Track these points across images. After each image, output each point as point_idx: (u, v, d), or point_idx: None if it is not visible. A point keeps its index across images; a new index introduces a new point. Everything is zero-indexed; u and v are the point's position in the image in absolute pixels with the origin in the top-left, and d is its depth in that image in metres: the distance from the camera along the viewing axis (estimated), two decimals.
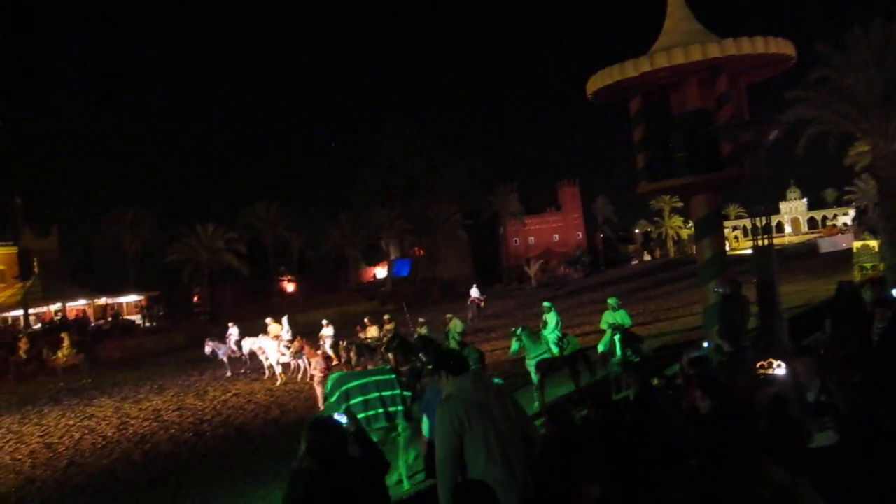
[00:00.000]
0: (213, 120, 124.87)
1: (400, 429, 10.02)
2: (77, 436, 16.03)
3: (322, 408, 14.87)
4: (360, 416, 9.15)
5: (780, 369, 10.11)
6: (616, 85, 13.14)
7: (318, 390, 15.54)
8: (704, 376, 6.62)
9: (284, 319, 21.12)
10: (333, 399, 9.84)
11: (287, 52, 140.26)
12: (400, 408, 10.03)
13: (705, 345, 10.70)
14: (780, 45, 12.82)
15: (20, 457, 14.61)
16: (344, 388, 9.89)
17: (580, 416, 6.81)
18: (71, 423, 17.69)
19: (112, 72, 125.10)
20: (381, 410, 9.82)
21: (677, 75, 12.90)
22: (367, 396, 9.86)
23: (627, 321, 14.61)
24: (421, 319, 19.40)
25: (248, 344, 21.83)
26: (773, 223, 71.68)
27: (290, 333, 20.44)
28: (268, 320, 22.38)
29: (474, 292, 36.22)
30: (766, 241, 12.43)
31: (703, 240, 13.82)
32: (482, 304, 36.15)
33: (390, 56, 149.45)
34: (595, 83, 13.46)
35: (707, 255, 13.65)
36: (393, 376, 10.38)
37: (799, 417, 5.74)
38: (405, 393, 10.22)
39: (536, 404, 12.54)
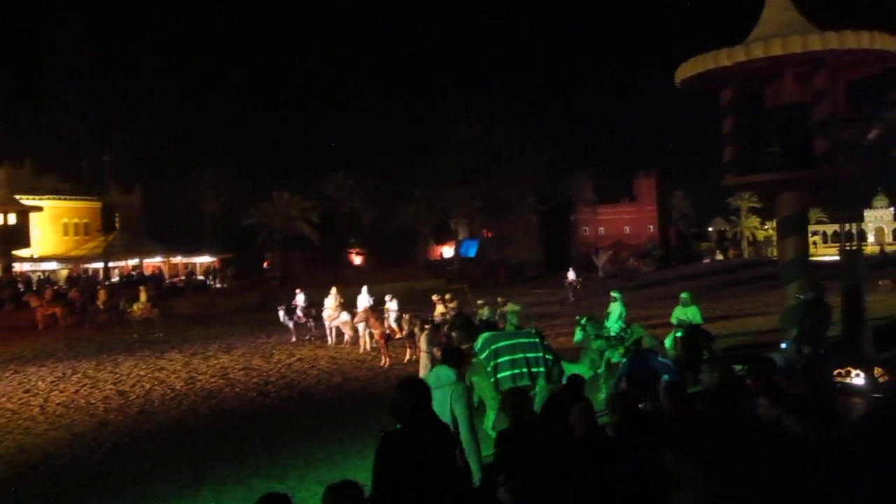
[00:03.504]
0: (296, 91, 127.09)
1: (538, 388, 10.65)
2: (148, 385, 16.57)
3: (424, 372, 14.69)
4: (507, 373, 10.44)
5: (858, 378, 9.73)
6: (708, 73, 12.68)
7: (422, 362, 15.13)
8: (770, 381, 6.02)
9: (364, 289, 21.41)
10: (483, 356, 10.71)
11: (369, 26, 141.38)
12: (542, 369, 10.76)
13: (783, 346, 10.38)
14: (887, 41, 12.06)
15: (94, 401, 15.17)
16: (494, 346, 10.75)
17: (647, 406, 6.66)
18: (143, 373, 18.30)
19: (196, 37, 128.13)
20: (525, 370, 10.59)
21: (774, 67, 12.38)
22: (514, 356, 10.65)
23: (698, 318, 14.32)
24: (480, 301, 19.37)
25: (328, 308, 21.87)
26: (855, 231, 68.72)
27: (370, 303, 20.68)
28: (333, 290, 22.70)
29: (571, 274, 36.57)
30: (854, 246, 11.96)
31: (787, 240, 13.31)
32: (579, 286, 36.37)
33: (473, 36, 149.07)
34: (686, 71, 13.03)
35: (790, 255, 13.16)
36: (537, 339, 11.06)
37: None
38: (547, 356, 10.93)
39: (602, 394, 12.38)
